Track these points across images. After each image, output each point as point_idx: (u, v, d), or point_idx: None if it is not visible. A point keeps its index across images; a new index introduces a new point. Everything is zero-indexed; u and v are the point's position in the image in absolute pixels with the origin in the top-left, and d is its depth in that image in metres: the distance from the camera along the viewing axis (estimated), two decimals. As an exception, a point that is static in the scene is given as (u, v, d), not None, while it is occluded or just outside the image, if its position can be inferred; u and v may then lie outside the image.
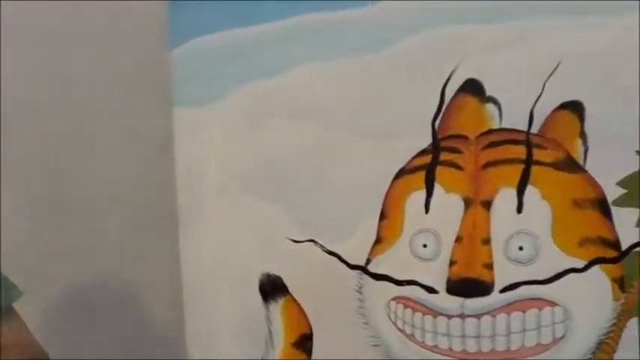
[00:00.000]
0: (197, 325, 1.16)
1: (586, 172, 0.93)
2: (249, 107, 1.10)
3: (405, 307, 1.00)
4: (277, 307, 1.09)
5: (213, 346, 1.15)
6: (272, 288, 1.07)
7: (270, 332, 1.09)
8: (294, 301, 1.07)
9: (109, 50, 1.33)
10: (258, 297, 1.09)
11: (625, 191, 0.91)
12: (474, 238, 0.97)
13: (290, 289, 1.07)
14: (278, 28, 1.07)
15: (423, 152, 0.99)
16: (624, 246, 0.92)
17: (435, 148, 0.99)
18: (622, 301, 0.93)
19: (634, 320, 0.92)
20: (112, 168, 1.33)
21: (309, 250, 1.05)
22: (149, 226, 1.31)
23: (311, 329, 1.07)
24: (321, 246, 1.04)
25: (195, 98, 1.12)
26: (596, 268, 0.93)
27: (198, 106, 1.12)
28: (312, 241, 1.04)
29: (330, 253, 1.03)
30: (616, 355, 0.92)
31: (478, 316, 0.97)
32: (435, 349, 0.98)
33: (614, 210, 0.91)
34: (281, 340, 1.09)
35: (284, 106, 1.08)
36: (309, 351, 1.08)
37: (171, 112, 1.14)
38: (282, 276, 1.07)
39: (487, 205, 0.96)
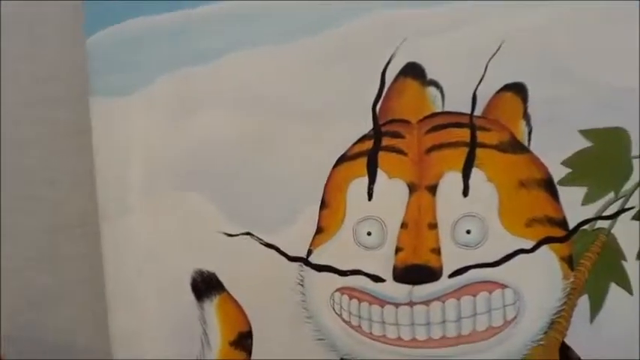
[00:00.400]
0: (123, 331, 1.11)
1: (531, 152, 0.93)
2: (174, 96, 1.02)
3: (351, 297, 0.97)
4: (212, 305, 1.04)
5: (142, 350, 1.11)
6: (206, 285, 1.02)
7: (205, 332, 1.05)
8: (230, 298, 1.02)
9: (24, 40, 1.26)
10: (191, 296, 1.03)
11: (570, 170, 0.93)
12: (419, 223, 0.94)
13: (225, 286, 1.01)
14: (206, 13, 1.01)
15: (364, 138, 0.97)
16: (571, 225, 0.92)
17: (376, 133, 0.96)
18: (571, 279, 0.93)
19: (584, 298, 0.93)
20: (23, 161, 1.26)
21: (245, 244, 0.99)
22: (66, 225, 1.25)
23: (250, 326, 1.03)
24: (258, 239, 0.99)
25: (115, 87, 1.04)
26: (544, 248, 0.92)
27: (119, 95, 1.05)
28: (247, 234, 1.00)
29: (268, 245, 0.99)
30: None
31: (427, 303, 0.95)
32: (383, 339, 0.96)
33: (560, 189, 0.92)
34: (218, 340, 1.04)
35: (213, 95, 1.01)
36: (248, 350, 1.03)
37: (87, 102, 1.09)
38: (216, 272, 1.02)
39: (432, 189, 0.94)
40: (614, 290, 0.91)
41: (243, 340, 1.04)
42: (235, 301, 1.02)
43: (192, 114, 1.04)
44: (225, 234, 1.00)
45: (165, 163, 1.04)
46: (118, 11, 1.05)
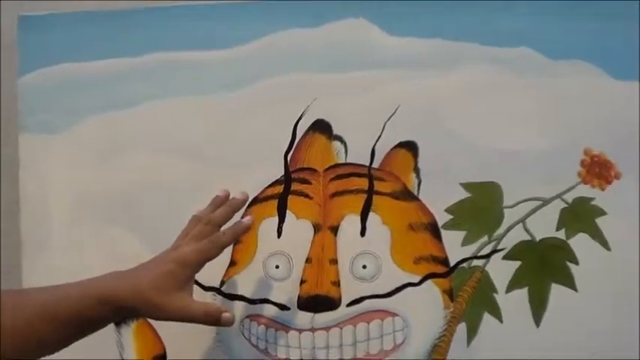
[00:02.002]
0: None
1: (419, 200, 1.08)
2: (101, 137, 1.12)
3: (259, 324, 1.09)
4: (129, 330, 1.12)
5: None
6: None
7: (121, 356, 1.11)
8: (147, 323, 1.10)
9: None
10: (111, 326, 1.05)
11: (452, 217, 1.08)
12: (322, 259, 1.08)
13: None
14: (135, 62, 1.12)
15: (275, 183, 1.10)
16: (452, 262, 1.06)
17: (286, 179, 1.10)
18: (451, 309, 1.07)
19: (462, 325, 1.06)
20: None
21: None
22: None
23: (164, 350, 1.10)
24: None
25: (44, 126, 1.12)
26: (429, 282, 1.07)
27: (47, 133, 1.13)
28: (166, 266, 1.13)
29: (184, 276, 1.12)
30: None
31: (327, 329, 1.07)
32: (286, 362, 1.13)
33: (443, 232, 1.07)
34: (134, 363, 1.16)
35: (137, 138, 1.11)
36: (163, 372, 1.16)
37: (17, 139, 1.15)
38: None
39: (334, 229, 1.08)
40: (487, 319, 1.05)
41: (157, 363, 1.14)
42: (151, 326, 1.10)
43: (117, 154, 1.12)
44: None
45: (90, 200, 1.12)
46: (53, 54, 1.14)
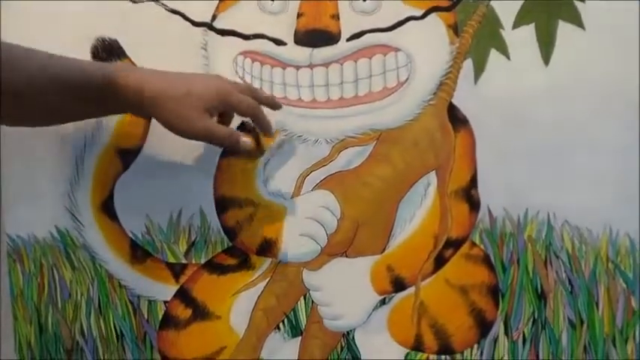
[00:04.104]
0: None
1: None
2: None
3: (254, 60, 1.02)
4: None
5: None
6: (107, 52, 1.01)
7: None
8: (131, 63, 1.01)
9: None
10: None
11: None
12: (320, -10, 1.06)
13: (128, 54, 1.01)
14: None
15: None
16: (456, -3, 1.07)
17: None
18: (457, 44, 1.02)
19: (468, 62, 1.02)
20: None
21: (149, 11, 1.00)
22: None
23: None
24: (162, 4, 1.01)
25: None
26: (433, 16, 1.01)
27: None
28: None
29: (173, 11, 1.01)
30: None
31: (326, 65, 1.01)
32: (284, 100, 1.01)
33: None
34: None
35: None
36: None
37: None
38: (119, 40, 1.01)
39: (333, -42, 1.07)
40: (495, 57, 1.01)
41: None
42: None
43: None
44: (130, 0, 1.02)
45: None
46: None
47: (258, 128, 0.97)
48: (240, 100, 0.93)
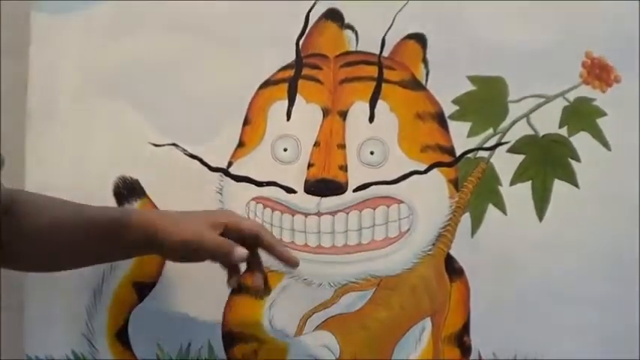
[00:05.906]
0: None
1: (427, 90, 1.09)
2: (110, 17, 1.09)
3: (265, 206, 1.09)
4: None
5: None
6: (128, 191, 1.08)
7: None
8: (151, 202, 1.09)
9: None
10: (112, 201, 1.08)
11: (458, 107, 1.09)
12: (330, 143, 1.08)
13: (148, 193, 1.08)
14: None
15: (286, 67, 1.10)
16: (458, 153, 1.08)
17: (298, 63, 1.10)
18: (456, 199, 1.09)
19: (466, 216, 1.08)
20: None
21: (169, 155, 1.07)
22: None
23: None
24: (183, 149, 1.08)
25: (56, 6, 1.09)
26: (435, 171, 1.08)
27: (59, 13, 1.09)
28: (173, 145, 1.08)
29: (192, 156, 1.08)
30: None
31: (333, 214, 1.08)
32: (291, 245, 1.07)
33: (449, 123, 1.08)
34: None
35: (147, 17, 1.09)
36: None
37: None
38: (140, 180, 1.08)
39: (343, 114, 1.08)
40: (492, 211, 1.07)
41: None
42: (155, 206, 1.09)
43: (126, 35, 1.09)
44: (152, 144, 1.08)
45: (98, 76, 1.09)
46: None
47: (273, 256, 0.95)
48: (247, 221, 0.97)
